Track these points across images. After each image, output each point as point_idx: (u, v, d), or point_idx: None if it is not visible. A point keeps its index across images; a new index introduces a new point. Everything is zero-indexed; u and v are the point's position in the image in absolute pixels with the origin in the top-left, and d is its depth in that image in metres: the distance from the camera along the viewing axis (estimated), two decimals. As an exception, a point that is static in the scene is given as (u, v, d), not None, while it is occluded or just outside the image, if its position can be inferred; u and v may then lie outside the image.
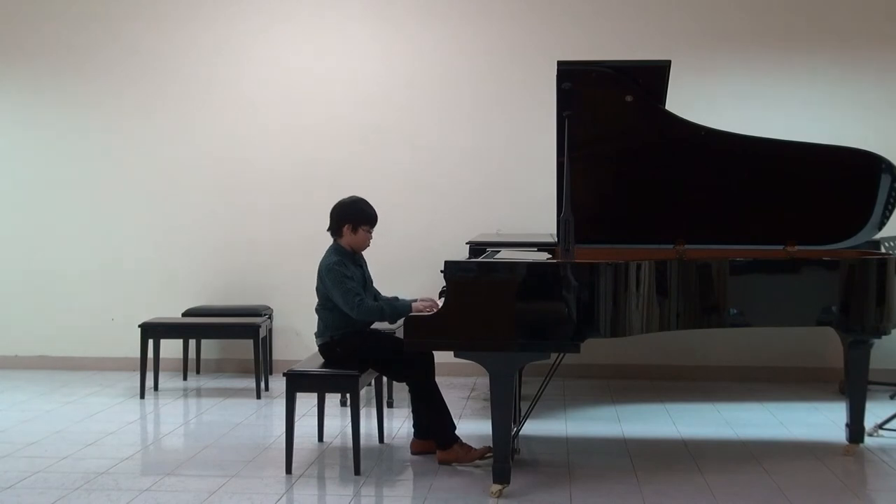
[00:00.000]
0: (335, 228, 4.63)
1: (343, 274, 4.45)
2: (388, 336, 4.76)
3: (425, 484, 4.26)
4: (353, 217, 4.60)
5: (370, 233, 4.65)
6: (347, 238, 4.61)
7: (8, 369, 6.98)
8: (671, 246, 4.83)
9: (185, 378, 6.62)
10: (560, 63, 4.49)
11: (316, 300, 4.62)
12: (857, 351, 4.63)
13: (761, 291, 4.52)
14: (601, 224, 4.84)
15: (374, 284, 4.82)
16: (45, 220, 7.06)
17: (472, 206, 6.75)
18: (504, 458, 4.03)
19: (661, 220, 4.92)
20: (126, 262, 7.00)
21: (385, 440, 4.96)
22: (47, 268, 7.06)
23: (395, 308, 4.42)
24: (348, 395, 4.53)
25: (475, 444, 4.56)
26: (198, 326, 6.35)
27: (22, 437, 5.05)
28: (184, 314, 6.54)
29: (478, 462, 4.47)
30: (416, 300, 4.44)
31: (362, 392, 4.78)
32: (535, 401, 4.88)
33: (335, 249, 4.61)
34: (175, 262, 6.97)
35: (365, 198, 4.71)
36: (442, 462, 4.51)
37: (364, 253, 4.76)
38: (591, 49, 6.46)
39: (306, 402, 5.08)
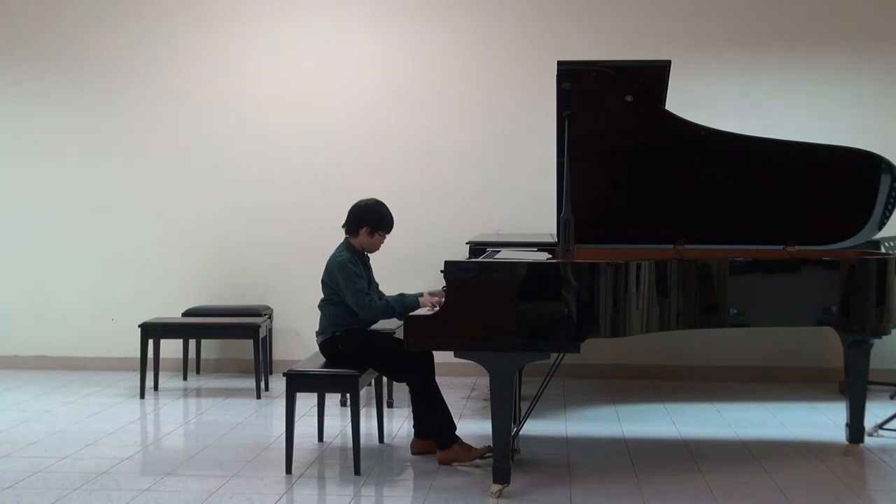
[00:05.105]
0: (353, 228, 4.63)
1: (354, 272, 4.47)
2: (389, 336, 4.76)
3: (425, 484, 4.26)
4: (373, 221, 4.61)
5: (384, 238, 4.67)
6: (362, 239, 4.63)
7: (8, 369, 6.98)
8: (671, 246, 4.83)
9: (185, 378, 6.63)
10: (560, 63, 4.49)
11: (317, 297, 4.62)
12: (857, 351, 4.63)
13: (761, 291, 4.52)
14: (601, 224, 4.84)
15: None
16: (44, 219, 7.06)
17: (472, 206, 6.75)
18: (504, 457, 4.03)
19: (661, 220, 4.92)
20: (126, 262, 7.00)
21: (385, 440, 4.96)
22: (47, 268, 7.05)
23: (404, 304, 4.43)
24: (348, 395, 4.53)
25: (475, 444, 4.56)
26: (198, 326, 6.35)
27: (22, 437, 5.05)
28: (184, 314, 6.54)
29: (478, 462, 4.47)
30: (422, 294, 4.47)
31: (362, 392, 4.78)
32: (535, 401, 4.87)
33: (346, 247, 4.62)
34: (175, 262, 6.97)
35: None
36: (442, 462, 4.51)
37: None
38: (591, 49, 6.46)
39: (306, 402, 5.08)
